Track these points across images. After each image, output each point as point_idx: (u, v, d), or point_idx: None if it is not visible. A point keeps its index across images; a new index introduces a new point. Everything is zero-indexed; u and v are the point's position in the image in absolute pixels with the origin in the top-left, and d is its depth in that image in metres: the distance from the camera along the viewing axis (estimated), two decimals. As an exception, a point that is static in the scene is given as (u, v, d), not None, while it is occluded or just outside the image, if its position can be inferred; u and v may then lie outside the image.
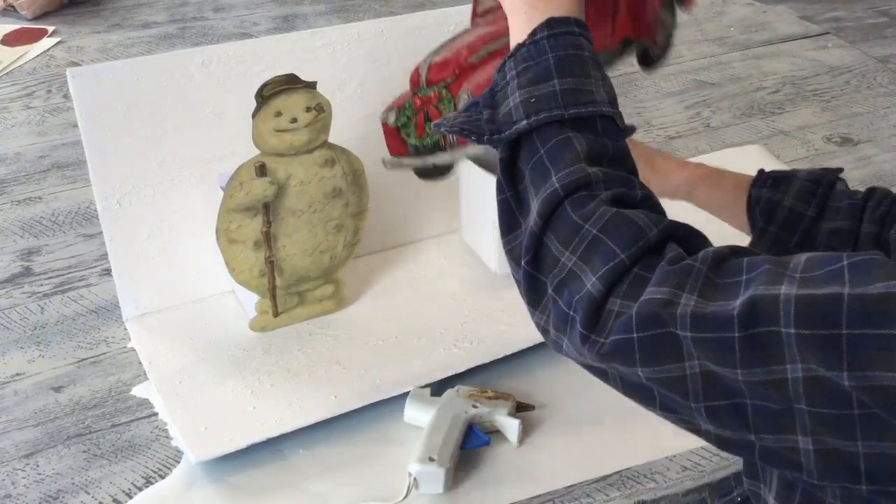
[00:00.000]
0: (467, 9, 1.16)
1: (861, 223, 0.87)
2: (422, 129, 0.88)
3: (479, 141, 0.70)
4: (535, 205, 0.66)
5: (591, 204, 0.64)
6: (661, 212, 0.65)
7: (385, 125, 0.89)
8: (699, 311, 0.58)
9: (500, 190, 0.68)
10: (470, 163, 0.91)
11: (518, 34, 0.71)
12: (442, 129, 0.72)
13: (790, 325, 0.55)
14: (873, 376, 0.52)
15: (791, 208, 0.91)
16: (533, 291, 0.67)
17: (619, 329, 0.60)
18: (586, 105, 0.67)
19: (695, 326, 0.58)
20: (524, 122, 0.66)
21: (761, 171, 0.94)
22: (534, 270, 0.66)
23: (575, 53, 0.68)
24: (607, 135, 0.67)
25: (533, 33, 0.69)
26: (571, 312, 0.63)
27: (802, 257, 0.58)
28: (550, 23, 0.69)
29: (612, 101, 0.68)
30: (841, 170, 0.92)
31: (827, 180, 0.90)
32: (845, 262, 0.55)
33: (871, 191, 0.88)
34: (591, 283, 0.62)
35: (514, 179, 0.68)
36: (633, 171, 0.67)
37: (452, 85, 0.87)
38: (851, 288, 0.53)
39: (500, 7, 0.76)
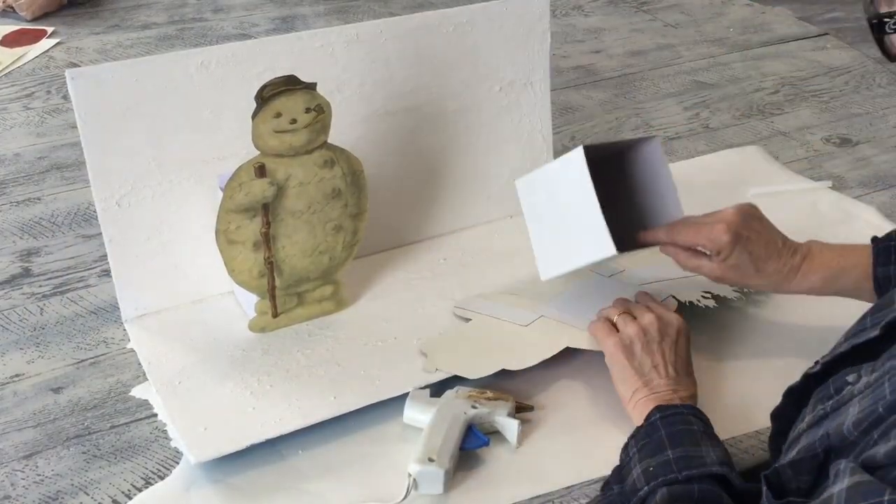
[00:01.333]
0: (467, 9, 1.16)
1: None
2: None
3: None
4: None
5: None
6: None
7: None
8: None
9: None
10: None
11: (637, 420, 0.88)
12: None
13: None
14: None
15: None
16: None
17: None
18: (698, 468, 0.79)
19: None
20: (645, 488, 0.79)
21: (875, 243, 0.96)
22: None
23: (685, 428, 0.84)
24: (702, 494, 0.78)
25: (648, 417, 0.86)
26: None
27: None
28: (660, 408, 0.87)
29: (723, 462, 0.81)
30: None
31: None
32: None
33: None
34: None
35: None
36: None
37: None
38: None
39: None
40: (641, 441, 0.85)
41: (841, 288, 0.97)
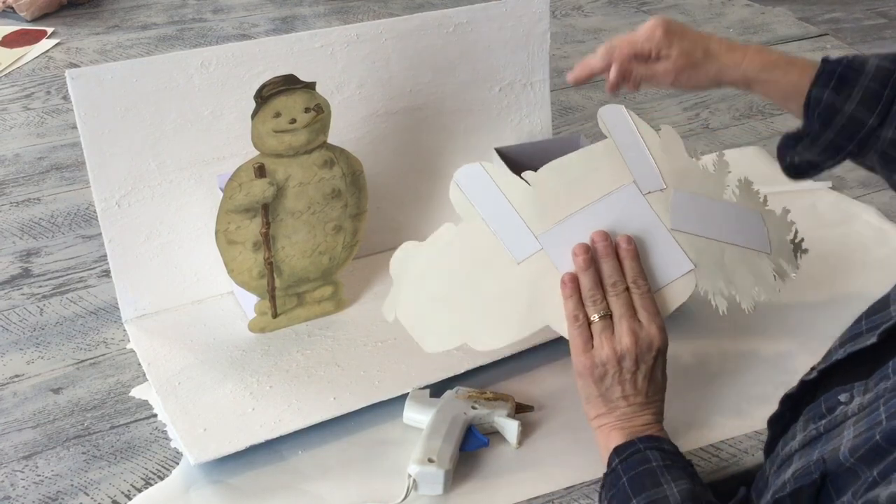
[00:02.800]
0: (467, 10, 1.16)
1: None
2: None
3: None
4: None
5: None
6: None
7: None
8: None
9: None
10: None
11: (600, 441, 0.88)
12: None
13: None
14: None
15: (852, 115, 0.89)
16: None
17: None
18: None
19: None
20: None
21: (827, 63, 0.92)
22: None
23: (644, 469, 0.81)
24: None
25: (609, 461, 0.85)
26: None
27: None
28: (617, 450, 0.84)
29: (686, 498, 0.78)
30: None
31: (895, 79, 0.89)
32: None
33: None
34: None
35: None
36: None
37: None
38: None
39: None
40: (609, 492, 0.83)
41: (774, 83, 0.95)
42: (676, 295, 0.92)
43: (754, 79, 0.96)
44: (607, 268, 0.89)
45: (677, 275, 0.93)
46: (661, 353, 0.88)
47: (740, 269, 0.97)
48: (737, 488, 0.81)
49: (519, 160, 1.12)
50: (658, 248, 0.92)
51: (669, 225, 0.93)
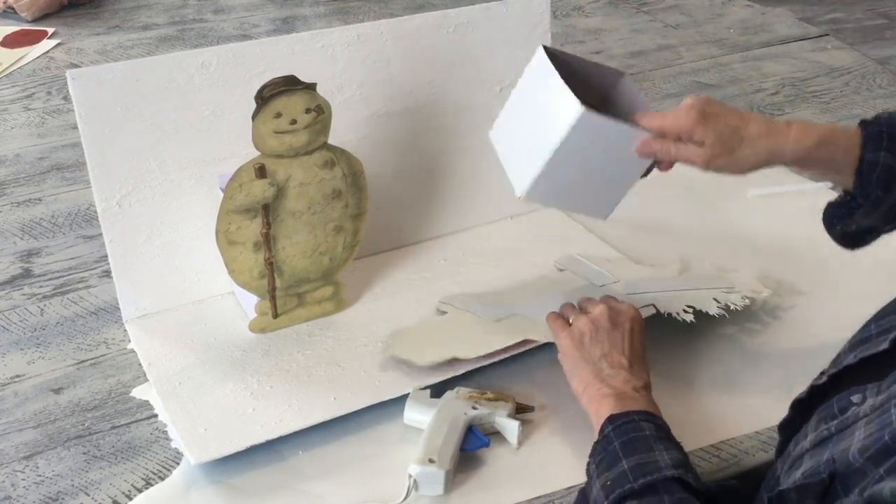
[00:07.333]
0: (467, 10, 1.16)
1: None
2: None
3: None
4: None
5: None
6: None
7: None
8: None
9: None
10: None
11: (592, 414, 0.89)
12: None
13: None
14: None
15: None
16: None
17: None
18: (652, 474, 0.79)
19: None
20: (605, 503, 0.79)
21: (867, 126, 0.91)
22: None
23: (637, 435, 0.83)
24: (666, 491, 0.78)
25: (601, 429, 0.86)
26: None
27: None
28: (612, 418, 0.86)
29: (678, 465, 0.80)
30: None
31: None
32: None
33: None
34: None
35: None
36: None
37: None
38: None
39: None
40: (598, 456, 0.84)
41: (829, 157, 0.91)
42: None
43: (806, 157, 0.92)
44: (580, 300, 1.02)
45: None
46: (636, 321, 0.96)
47: (701, 294, 1.08)
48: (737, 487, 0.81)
49: None
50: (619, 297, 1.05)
51: (625, 291, 1.07)
